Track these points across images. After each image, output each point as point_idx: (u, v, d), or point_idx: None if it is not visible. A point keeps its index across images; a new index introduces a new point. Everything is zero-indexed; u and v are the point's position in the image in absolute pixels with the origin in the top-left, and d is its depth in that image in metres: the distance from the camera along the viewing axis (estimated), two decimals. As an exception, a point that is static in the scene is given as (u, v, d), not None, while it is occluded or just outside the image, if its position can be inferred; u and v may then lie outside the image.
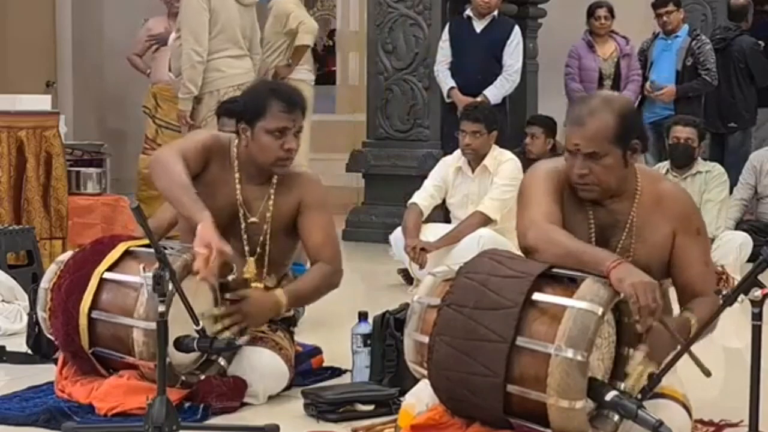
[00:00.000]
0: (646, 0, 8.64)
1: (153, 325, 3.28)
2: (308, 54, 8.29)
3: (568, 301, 2.91)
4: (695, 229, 3.25)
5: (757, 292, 2.63)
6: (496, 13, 7.77)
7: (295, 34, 8.08)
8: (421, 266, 5.93)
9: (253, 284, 3.82)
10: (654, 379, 2.90)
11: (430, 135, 8.31)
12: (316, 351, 4.19)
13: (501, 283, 3.01)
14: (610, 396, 2.88)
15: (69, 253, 3.89)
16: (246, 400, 3.68)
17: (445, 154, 6.88)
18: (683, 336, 2.95)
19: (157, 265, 3.04)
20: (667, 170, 6.55)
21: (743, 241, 6.24)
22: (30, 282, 5.09)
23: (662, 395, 3.10)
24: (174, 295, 3.17)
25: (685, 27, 8.34)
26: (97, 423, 3.41)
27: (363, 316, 3.93)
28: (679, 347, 2.87)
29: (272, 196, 3.88)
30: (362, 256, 7.48)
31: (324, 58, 11.56)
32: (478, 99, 7.40)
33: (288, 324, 3.98)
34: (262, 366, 3.71)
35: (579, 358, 2.82)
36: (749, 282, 2.65)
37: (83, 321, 3.60)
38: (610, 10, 8.27)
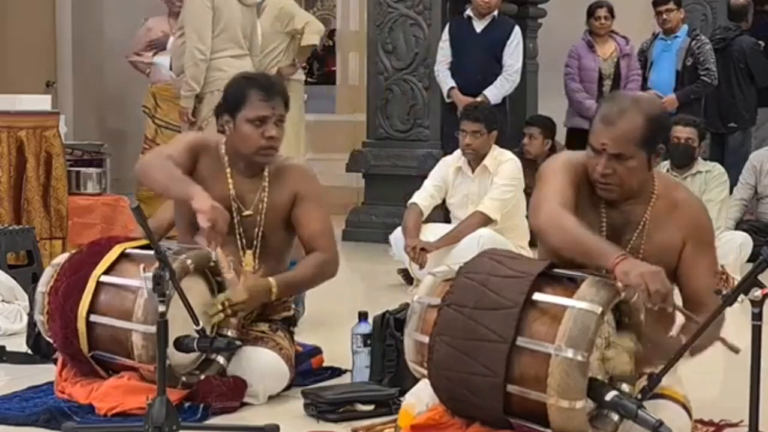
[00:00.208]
0: (646, 0, 8.63)
1: (152, 329, 3.30)
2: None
3: (568, 301, 2.91)
4: (707, 241, 3.25)
5: (757, 292, 2.63)
6: (496, 13, 7.76)
7: (299, 34, 8.08)
8: (421, 266, 5.92)
9: None
10: (654, 379, 2.89)
11: (430, 135, 8.29)
12: (316, 351, 4.20)
13: (501, 283, 3.01)
14: (610, 396, 2.88)
15: (65, 256, 3.88)
16: (246, 400, 3.68)
17: (445, 154, 6.87)
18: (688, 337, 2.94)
19: (156, 265, 3.04)
20: (667, 170, 6.55)
21: (743, 241, 6.24)
22: (30, 282, 5.08)
23: (662, 395, 3.10)
24: (173, 296, 3.17)
25: (685, 27, 8.32)
26: (97, 423, 3.41)
27: (363, 316, 3.93)
28: (678, 348, 2.87)
29: (266, 189, 3.89)
30: (362, 256, 7.48)
31: (324, 58, 11.56)
32: (478, 99, 7.39)
33: (288, 324, 3.98)
34: (262, 366, 3.71)
35: (579, 358, 2.82)
36: (749, 282, 2.65)
37: (81, 325, 3.59)
38: (610, 10, 8.25)
